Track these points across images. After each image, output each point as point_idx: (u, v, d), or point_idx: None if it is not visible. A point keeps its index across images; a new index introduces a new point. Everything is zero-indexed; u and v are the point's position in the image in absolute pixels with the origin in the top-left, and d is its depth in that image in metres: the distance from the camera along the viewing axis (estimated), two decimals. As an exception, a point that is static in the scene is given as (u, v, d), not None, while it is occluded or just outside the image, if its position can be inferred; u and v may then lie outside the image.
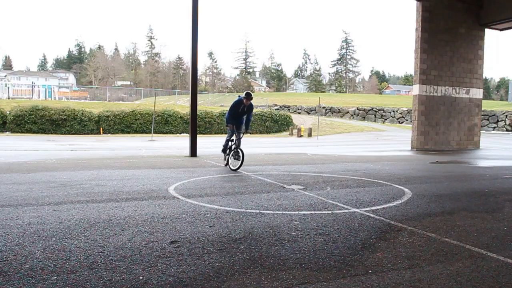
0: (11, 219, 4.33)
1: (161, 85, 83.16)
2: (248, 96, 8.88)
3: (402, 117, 41.85)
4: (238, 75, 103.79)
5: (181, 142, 18.81)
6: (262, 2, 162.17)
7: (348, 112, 44.24)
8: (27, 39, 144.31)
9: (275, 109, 40.02)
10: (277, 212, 4.89)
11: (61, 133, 24.63)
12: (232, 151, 9.00)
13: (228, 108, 9.26)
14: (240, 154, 8.67)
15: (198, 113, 16.14)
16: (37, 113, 24.50)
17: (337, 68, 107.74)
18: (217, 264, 3.13)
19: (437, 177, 8.29)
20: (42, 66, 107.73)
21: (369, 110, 43.37)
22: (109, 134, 25.63)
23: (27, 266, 3.00)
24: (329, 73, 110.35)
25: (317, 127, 28.00)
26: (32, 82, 52.65)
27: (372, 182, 7.36)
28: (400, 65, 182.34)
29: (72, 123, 25.11)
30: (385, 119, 42.67)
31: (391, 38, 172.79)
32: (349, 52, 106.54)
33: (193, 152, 12.12)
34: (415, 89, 16.17)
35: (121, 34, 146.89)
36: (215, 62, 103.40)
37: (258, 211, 4.91)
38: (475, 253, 3.50)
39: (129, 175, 7.78)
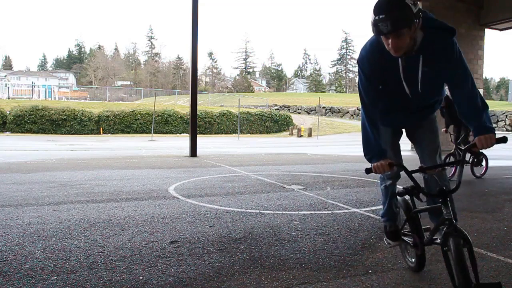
0: (11, 219, 4.33)
1: (161, 85, 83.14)
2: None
3: (402, 117, 41.82)
4: (238, 75, 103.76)
5: (181, 142, 18.80)
6: (262, 2, 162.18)
7: (348, 112, 44.23)
8: (27, 39, 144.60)
9: (275, 109, 40.05)
10: (277, 212, 4.89)
11: (61, 133, 24.65)
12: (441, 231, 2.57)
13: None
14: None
15: (198, 113, 16.15)
16: (37, 113, 24.52)
17: (337, 68, 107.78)
18: (217, 264, 3.13)
19: (437, 177, 8.27)
20: (42, 66, 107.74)
21: (369, 110, 43.33)
22: (109, 134, 25.64)
23: (27, 266, 3.00)
24: (329, 73, 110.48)
25: (317, 127, 28.01)
26: (32, 82, 52.64)
27: (372, 182, 7.36)
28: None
29: (72, 123, 25.13)
30: (385, 119, 42.63)
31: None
32: (349, 52, 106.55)
33: (193, 152, 12.12)
34: (415, 89, 16.15)
35: (121, 34, 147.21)
36: (215, 62, 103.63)
37: (258, 211, 4.91)
38: (475, 253, 3.48)
39: (129, 175, 7.78)
